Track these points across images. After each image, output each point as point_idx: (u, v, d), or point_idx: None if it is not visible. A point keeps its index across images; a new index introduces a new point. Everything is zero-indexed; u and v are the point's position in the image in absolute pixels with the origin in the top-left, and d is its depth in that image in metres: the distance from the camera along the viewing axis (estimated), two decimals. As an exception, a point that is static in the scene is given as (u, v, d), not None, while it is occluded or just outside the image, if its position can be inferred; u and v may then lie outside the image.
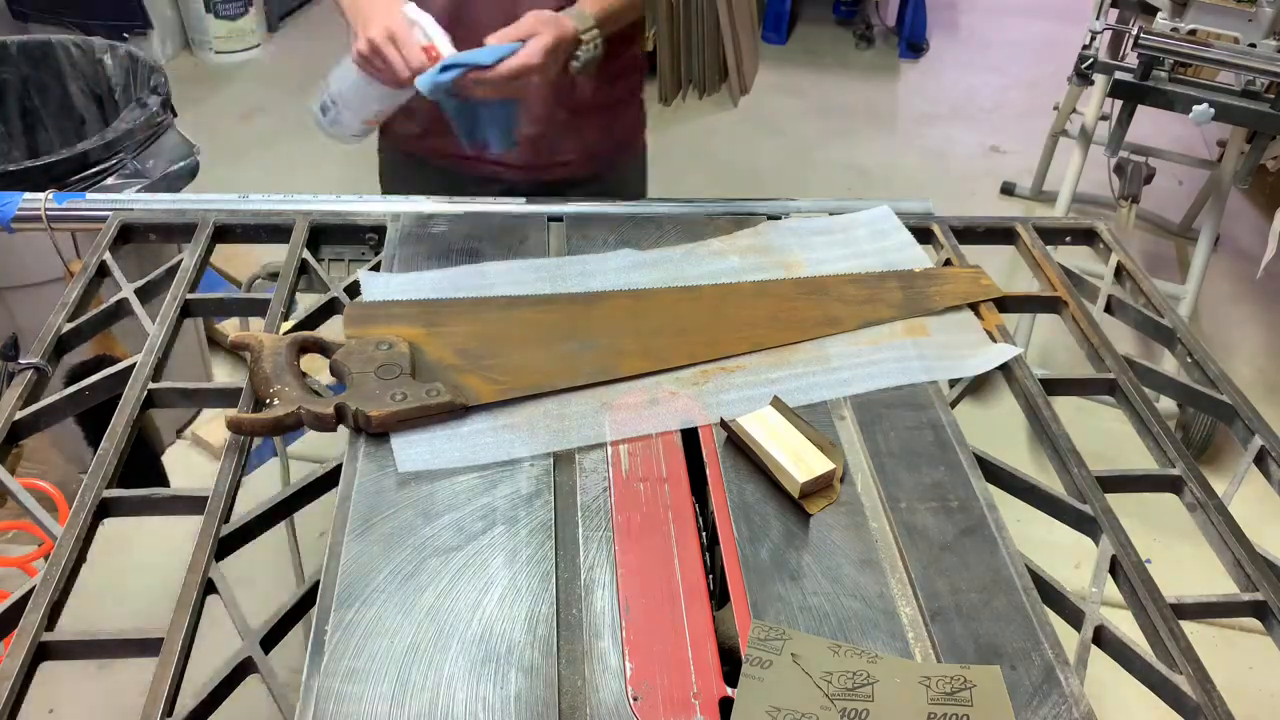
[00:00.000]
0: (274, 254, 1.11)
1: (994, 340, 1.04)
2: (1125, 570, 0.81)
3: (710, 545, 0.83)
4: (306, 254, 1.11)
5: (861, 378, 0.97)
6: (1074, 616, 0.78)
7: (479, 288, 1.06)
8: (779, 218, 1.20)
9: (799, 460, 0.83)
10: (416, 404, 0.87)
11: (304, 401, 0.87)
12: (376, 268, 1.10)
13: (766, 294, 1.08)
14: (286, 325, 1.02)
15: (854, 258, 1.14)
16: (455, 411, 0.88)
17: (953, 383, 1.01)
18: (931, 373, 0.98)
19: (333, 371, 0.93)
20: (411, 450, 0.85)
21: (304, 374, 0.91)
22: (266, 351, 0.91)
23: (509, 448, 0.87)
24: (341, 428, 0.88)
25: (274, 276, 1.09)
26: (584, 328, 1.00)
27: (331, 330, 1.01)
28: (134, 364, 0.96)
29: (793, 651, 0.70)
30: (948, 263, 1.16)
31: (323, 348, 0.95)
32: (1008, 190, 3.24)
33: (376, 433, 0.87)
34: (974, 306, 1.08)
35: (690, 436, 0.90)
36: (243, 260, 2.43)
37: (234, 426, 0.86)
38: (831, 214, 1.20)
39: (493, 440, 0.87)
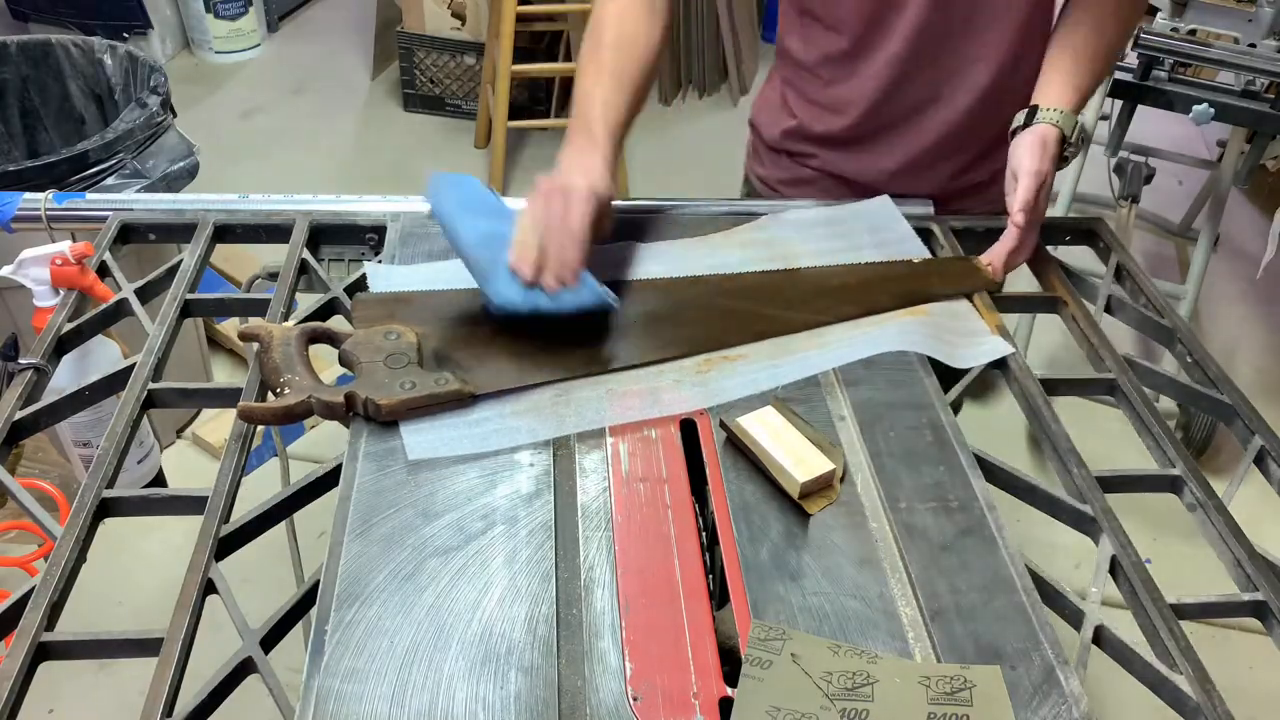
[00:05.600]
0: (274, 254, 1.11)
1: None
2: (1125, 570, 0.81)
3: (710, 545, 0.83)
4: (306, 254, 1.11)
5: (862, 349, 0.99)
6: (1074, 616, 0.78)
7: None
8: (779, 218, 1.20)
9: (799, 460, 0.83)
10: (425, 392, 0.87)
11: (314, 390, 0.87)
12: (377, 268, 1.10)
13: (767, 285, 1.08)
14: (287, 324, 1.02)
15: (853, 249, 1.14)
16: (463, 400, 0.89)
17: (951, 383, 1.01)
18: (928, 347, 0.99)
19: (342, 361, 0.93)
20: (420, 438, 0.86)
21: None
22: (276, 341, 0.92)
23: (515, 435, 0.87)
24: (341, 427, 0.89)
25: (274, 276, 1.09)
26: (587, 317, 1.01)
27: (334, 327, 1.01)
28: (134, 364, 0.96)
29: (792, 651, 0.70)
30: (948, 263, 1.16)
31: (331, 337, 0.96)
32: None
33: (386, 421, 0.87)
34: (971, 300, 1.09)
35: (690, 437, 0.90)
36: (243, 260, 2.43)
37: (245, 415, 0.86)
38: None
39: (499, 427, 0.88)
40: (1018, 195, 1.06)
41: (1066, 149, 1.10)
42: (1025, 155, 1.08)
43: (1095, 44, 1.12)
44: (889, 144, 1.23)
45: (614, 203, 1.02)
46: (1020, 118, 1.11)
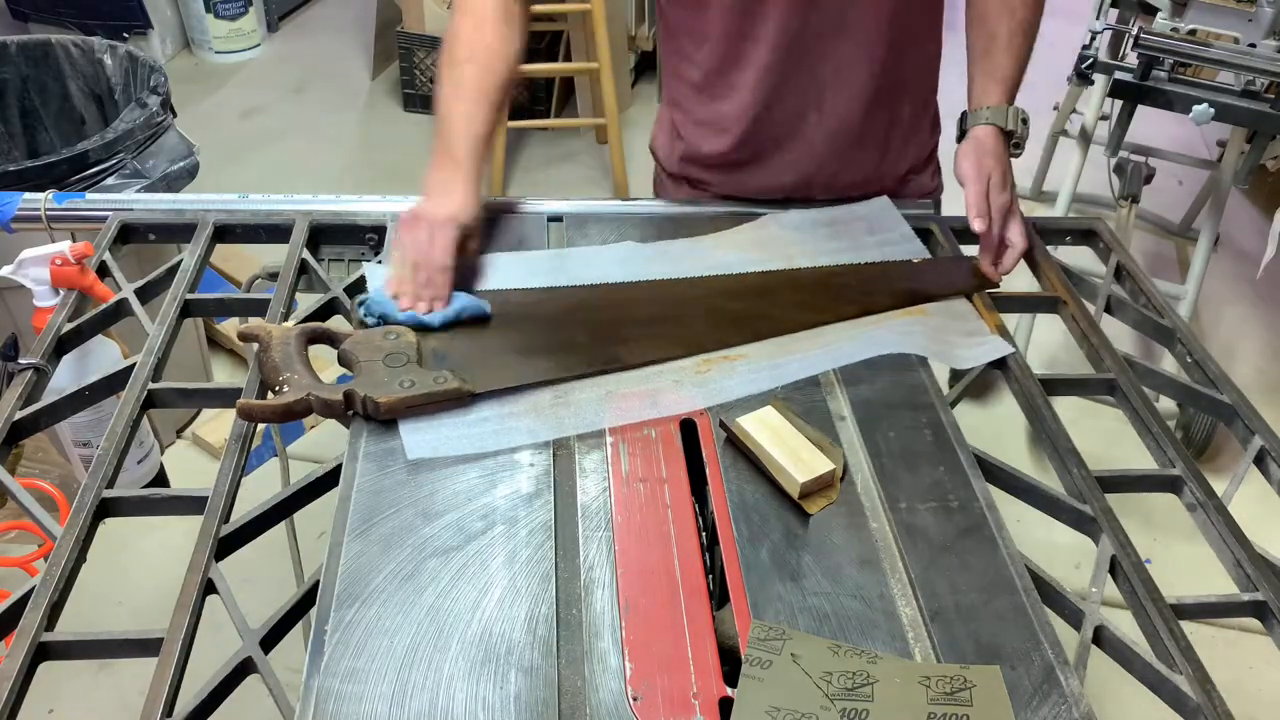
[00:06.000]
0: (274, 254, 1.11)
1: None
2: (1125, 570, 0.81)
3: (710, 545, 0.83)
4: (306, 254, 1.11)
5: (862, 350, 0.99)
6: (1074, 616, 0.78)
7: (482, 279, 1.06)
8: (779, 218, 1.20)
9: (799, 460, 0.83)
10: (424, 391, 0.87)
11: (313, 388, 0.87)
12: (376, 268, 1.10)
13: (767, 285, 1.08)
14: (287, 324, 1.02)
15: (853, 250, 1.14)
16: (462, 399, 0.89)
17: (952, 382, 1.01)
18: (927, 350, 0.99)
19: (341, 360, 0.94)
20: (419, 437, 0.86)
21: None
22: (275, 340, 0.92)
23: (514, 435, 0.87)
24: (341, 427, 0.89)
25: (274, 276, 1.09)
26: (587, 318, 1.01)
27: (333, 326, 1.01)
28: (134, 364, 0.96)
29: (792, 651, 0.70)
30: (948, 263, 1.16)
31: (331, 337, 0.96)
32: (1007, 190, 3.23)
33: (384, 419, 0.87)
34: (971, 300, 1.09)
35: (690, 437, 0.90)
36: (243, 260, 2.43)
37: (244, 413, 0.86)
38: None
39: (498, 428, 0.88)
40: (967, 203, 1.07)
41: (1012, 139, 1.10)
42: (963, 163, 1.09)
43: (1009, 25, 1.12)
44: (778, 158, 1.22)
45: (489, 212, 1.07)
46: (955, 129, 1.13)
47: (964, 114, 1.13)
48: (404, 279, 0.99)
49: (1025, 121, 1.11)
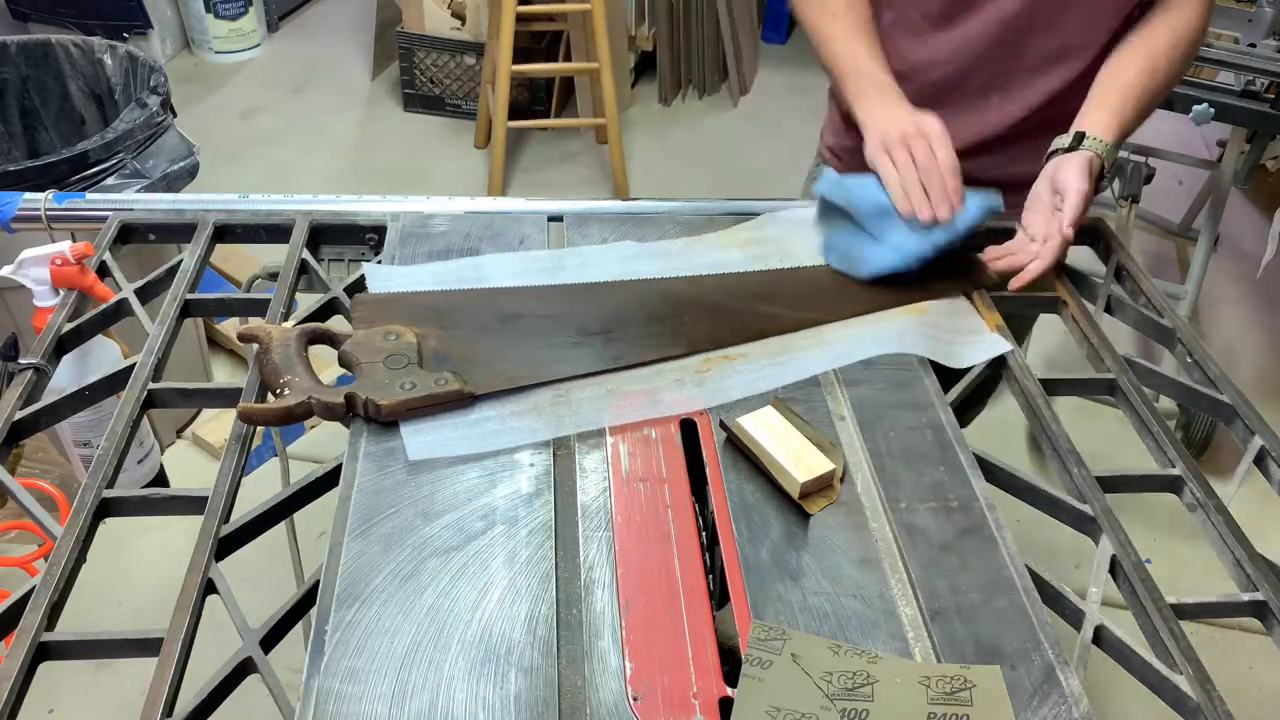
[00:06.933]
0: (274, 254, 1.11)
1: (994, 340, 1.04)
2: (1125, 570, 0.81)
3: (710, 545, 0.83)
4: (306, 254, 1.11)
5: (860, 350, 0.99)
6: (1074, 616, 0.78)
7: (481, 279, 1.06)
8: (779, 218, 1.20)
9: (799, 460, 0.83)
10: (425, 393, 0.87)
11: (314, 391, 0.87)
12: (376, 268, 1.10)
13: (767, 284, 1.08)
14: (287, 325, 1.02)
15: None
16: (463, 400, 0.89)
17: (952, 383, 1.01)
18: (927, 350, 0.99)
19: (341, 361, 0.94)
20: (420, 438, 0.86)
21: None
22: (275, 342, 0.92)
23: (514, 435, 0.87)
24: (341, 427, 0.89)
25: (274, 276, 1.09)
26: (587, 317, 1.01)
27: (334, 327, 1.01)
28: (134, 364, 0.96)
29: (793, 651, 0.70)
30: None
31: (331, 338, 0.96)
32: (1008, 190, 3.23)
33: (386, 421, 0.87)
34: (971, 299, 1.09)
35: (690, 437, 0.90)
36: (243, 260, 2.43)
37: (244, 417, 0.86)
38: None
39: (498, 427, 0.88)
40: (1067, 211, 1.06)
41: (1099, 180, 1.10)
42: (1073, 174, 1.07)
43: (1144, 85, 1.12)
44: (954, 123, 1.19)
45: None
46: (1065, 141, 1.11)
47: (1080, 133, 1.11)
48: (916, 194, 1.02)
49: (1111, 176, 1.14)
